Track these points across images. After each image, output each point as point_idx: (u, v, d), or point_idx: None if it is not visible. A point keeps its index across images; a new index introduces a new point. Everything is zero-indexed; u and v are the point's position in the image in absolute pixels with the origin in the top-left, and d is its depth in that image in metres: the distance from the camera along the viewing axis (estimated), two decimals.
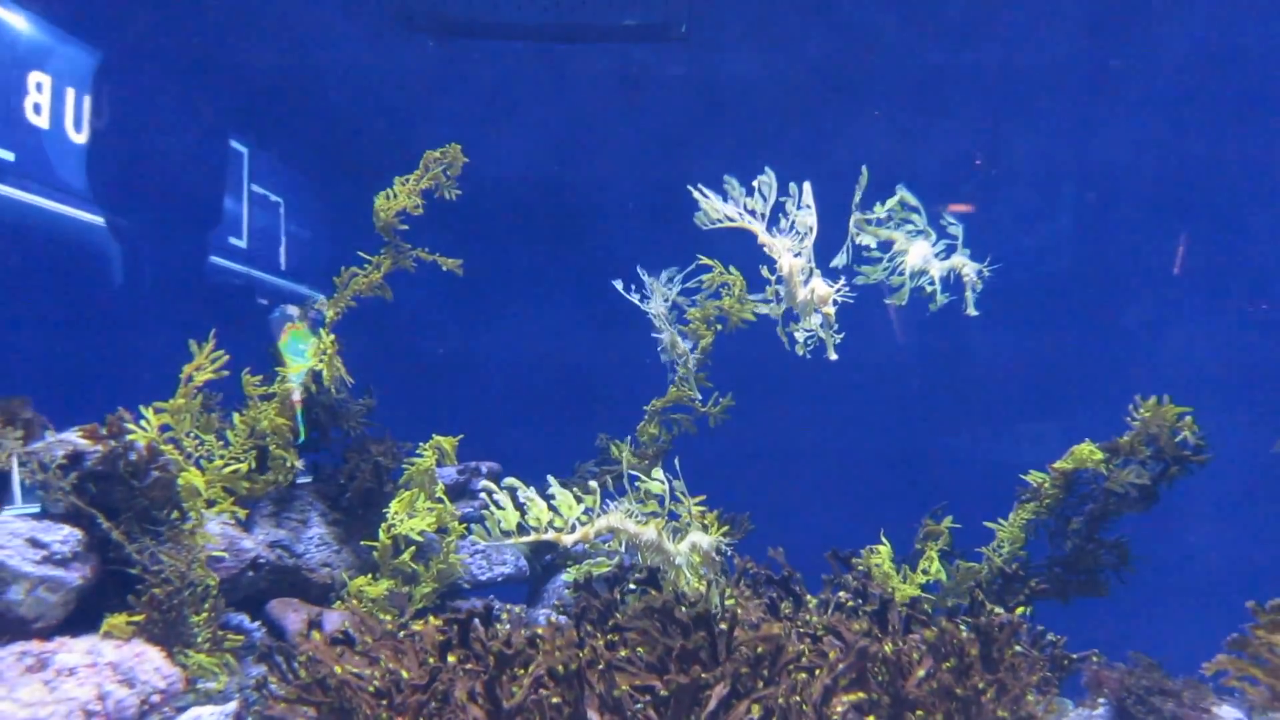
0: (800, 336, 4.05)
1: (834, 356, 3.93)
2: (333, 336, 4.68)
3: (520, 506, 3.71)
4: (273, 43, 6.51)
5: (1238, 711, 3.60)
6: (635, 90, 6.91)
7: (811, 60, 6.66)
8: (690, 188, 4.18)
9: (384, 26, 6.58)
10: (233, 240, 5.05)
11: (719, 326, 4.82)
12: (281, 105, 6.43)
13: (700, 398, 4.91)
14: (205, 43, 6.27)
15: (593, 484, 3.90)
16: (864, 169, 4.45)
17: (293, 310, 4.95)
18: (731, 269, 4.75)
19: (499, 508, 3.65)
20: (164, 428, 4.21)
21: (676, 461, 4.04)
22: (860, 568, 4.35)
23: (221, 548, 4.15)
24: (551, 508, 3.69)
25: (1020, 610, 3.76)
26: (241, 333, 4.62)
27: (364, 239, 4.95)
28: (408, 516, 4.48)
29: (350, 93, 6.73)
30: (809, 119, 6.93)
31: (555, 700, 2.52)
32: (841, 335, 3.98)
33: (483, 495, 3.71)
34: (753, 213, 4.11)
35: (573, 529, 3.84)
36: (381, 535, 4.47)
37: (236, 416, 4.56)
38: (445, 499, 4.70)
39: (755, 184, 4.08)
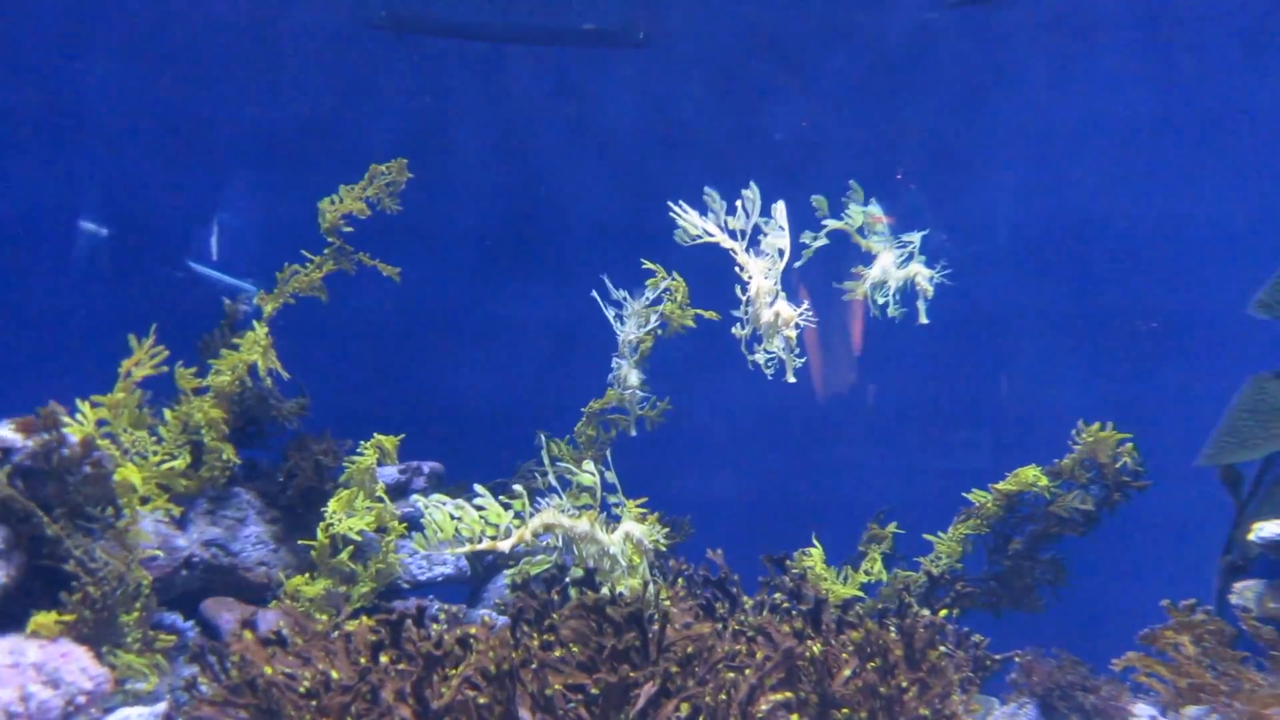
0: (761, 359, 4.12)
1: (793, 380, 4.00)
2: (266, 329, 4.67)
3: (454, 517, 3.77)
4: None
5: (1151, 709, 3.73)
6: (586, 99, 6.93)
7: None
8: (670, 204, 4.24)
9: (333, 20, 6.53)
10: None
11: (659, 331, 4.86)
12: (222, 94, 6.35)
13: (640, 403, 4.93)
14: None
15: (517, 487, 3.95)
16: (853, 183, 4.56)
17: (225, 303, 4.92)
18: (675, 275, 4.79)
19: (434, 518, 3.70)
20: (100, 422, 4.15)
21: (608, 453, 4.11)
22: (795, 570, 4.42)
23: (155, 546, 4.09)
24: (482, 518, 3.76)
25: (944, 613, 3.87)
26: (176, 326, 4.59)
27: (300, 232, 4.95)
28: (346, 516, 4.45)
29: (291, 84, 6.67)
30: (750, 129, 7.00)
31: (484, 700, 2.54)
32: (803, 359, 4.05)
33: (418, 504, 3.77)
34: (732, 232, 4.19)
35: (508, 534, 3.89)
36: (319, 534, 4.44)
37: (168, 412, 4.50)
38: (385, 498, 4.68)
39: (739, 202, 4.16)
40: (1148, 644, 3.55)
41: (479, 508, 3.75)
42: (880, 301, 4.65)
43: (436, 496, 3.73)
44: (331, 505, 4.50)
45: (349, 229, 4.91)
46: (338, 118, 6.88)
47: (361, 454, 4.71)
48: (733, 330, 4.19)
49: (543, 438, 5.18)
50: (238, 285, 5.52)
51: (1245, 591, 4.30)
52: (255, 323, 4.73)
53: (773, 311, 4.05)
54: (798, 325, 4.04)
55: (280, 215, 6.11)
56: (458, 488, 5.43)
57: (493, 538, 3.79)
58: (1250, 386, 4.74)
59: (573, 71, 6.73)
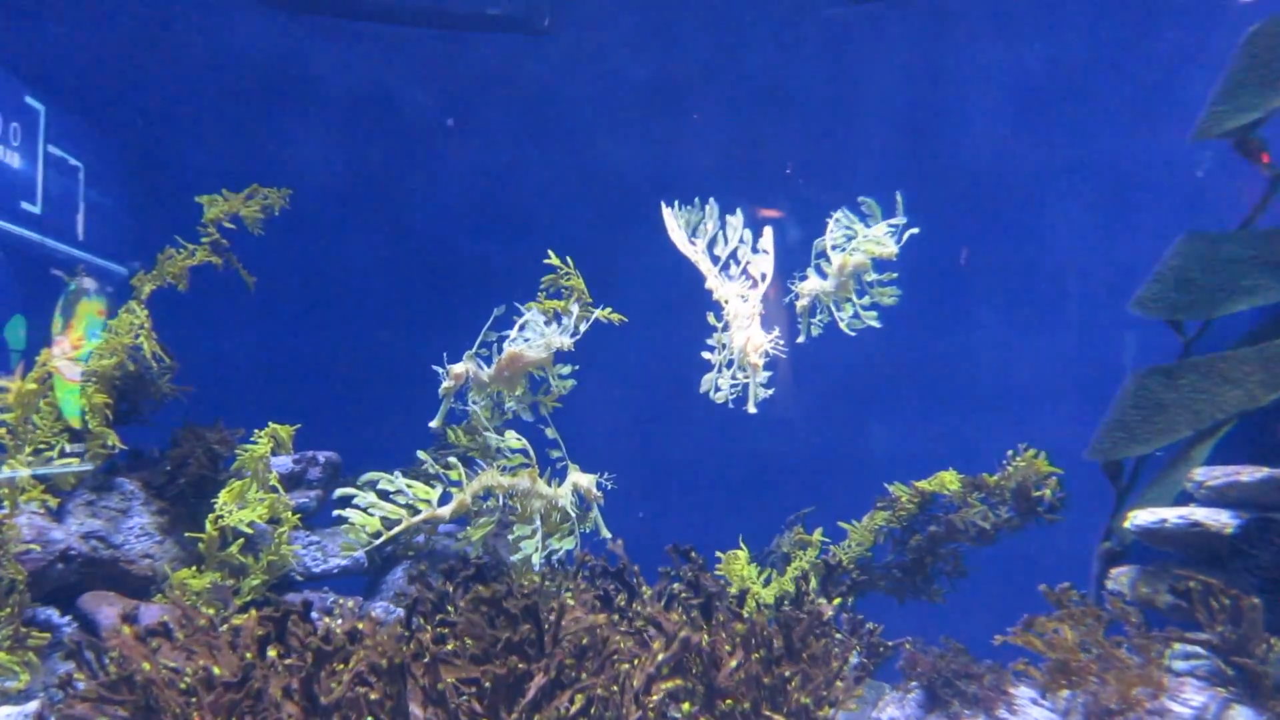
0: (724, 384, 4.01)
1: (753, 410, 3.93)
2: (145, 311, 4.54)
3: (385, 495, 3.74)
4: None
5: (1032, 691, 3.88)
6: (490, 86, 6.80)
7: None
8: (663, 205, 4.18)
9: None
10: (25, 205, 4.63)
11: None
12: (88, 63, 6.06)
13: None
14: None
15: (452, 459, 3.93)
16: (867, 200, 4.47)
17: (89, 283, 4.74)
18: (575, 273, 4.70)
19: (364, 511, 3.67)
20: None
21: (545, 413, 4.08)
22: (699, 561, 4.44)
23: (29, 539, 3.90)
24: (408, 504, 3.73)
25: (838, 601, 3.96)
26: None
27: (171, 212, 4.85)
28: (238, 507, 4.31)
29: (174, 61, 6.40)
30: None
31: (374, 696, 2.49)
32: (770, 390, 4.00)
33: (346, 512, 3.71)
34: (714, 256, 4.15)
35: (445, 501, 3.87)
36: (208, 526, 4.29)
37: (41, 401, 4.29)
38: (280, 488, 4.55)
39: (724, 230, 4.15)
40: (1028, 628, 3.70)
41: (423, 474, 3.75)
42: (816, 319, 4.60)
43: (368, 476, 3.72)
44: (223, 496, 4.36)
45: (230, 225, 4.87)
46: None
47: (255, 443, 4.57)
48: (704, 354, 4.11)
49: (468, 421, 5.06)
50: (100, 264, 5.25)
51: (1120, 577, 4.52)
52: (134, 303, 4.59)
53: (744, 336, 3.99)
54: (765, 353, 3.96)
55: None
56: (356, 478, 5.32)
57: (429, 505, 3.80)
58: (1133, 383, 4.94)
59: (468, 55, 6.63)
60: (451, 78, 6.72)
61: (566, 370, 4.39)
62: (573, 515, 4.06)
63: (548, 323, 4.31)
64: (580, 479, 4.12)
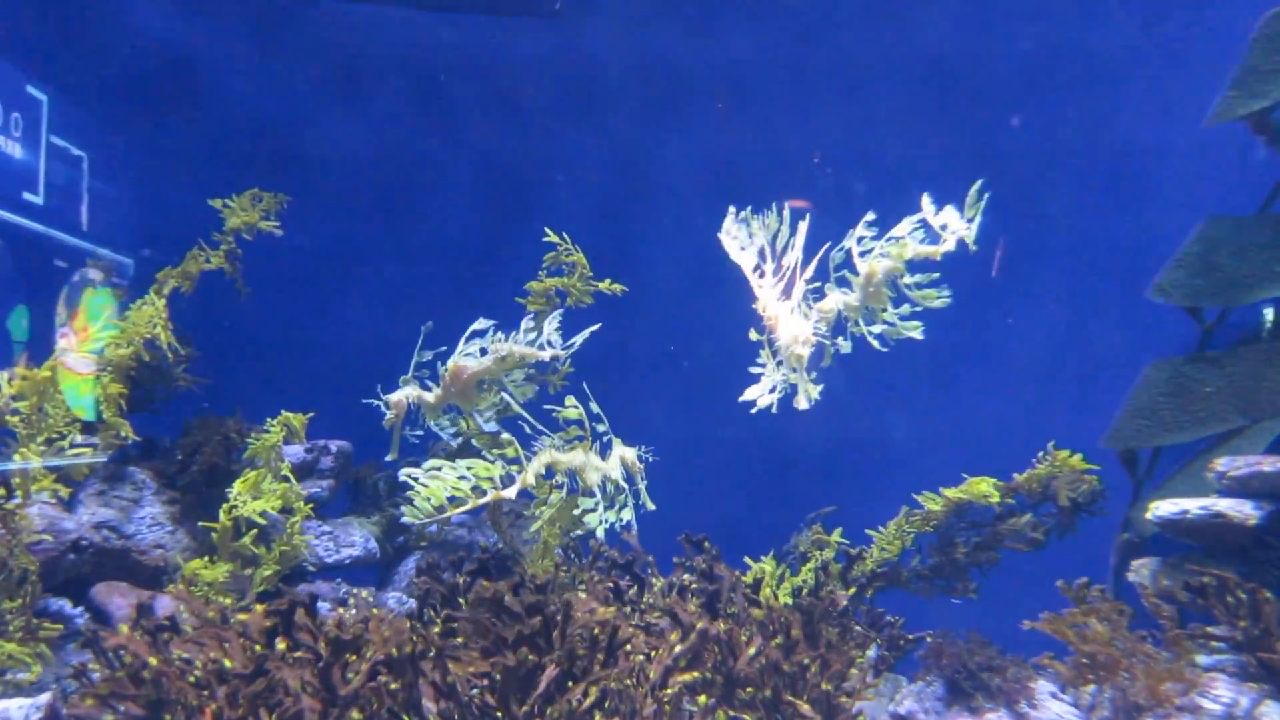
0: (763, 385, 3.93)
1: (804, 405, 3.86)
2: (163, 302, 4.54)
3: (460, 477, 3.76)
4: None
5: (1052, 685, 3.82)
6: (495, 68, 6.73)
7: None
8: (732, 210, 4.17)
9: None
10: (28, 196, 4.62)
11: (558, 300, 4.71)
12: (90, 50, 6.04)
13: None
14: None
15: (505, 435, 3.94)
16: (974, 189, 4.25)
17: (95, 274, 4.72)
18: (576, 248, 4.66)
19: (424, 486, 3.67)
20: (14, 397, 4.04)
21: (585, 386, 4.07)
22: (713, 551, 4.39)
23: (41, 529, 3.89)
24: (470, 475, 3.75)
25: (852, 590, 3.89)
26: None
27: (178, 201, 4.89)
28: (252, 497, 4.29)
29: (175, 45, 6.37)
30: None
31: (394, 686, 2.46)
32: (820, 386, 3.91)
33: (404, 478, 3.71)
34: (761, 261, 4.08)
35: (508, 482, 3.89)
36: (222, 516, 4.27)
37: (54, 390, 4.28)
38: (291, 477, 4.52)
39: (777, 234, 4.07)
40: (1058, 618, 3.63)
41: (465, 474, 3.75)
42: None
43: (431, 462, 3.76)
44: (237, 486, 4.33)
45: (248, 236, 4.93)
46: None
47: (267, 431, 4.55)
48: (754, 369, 4.04)
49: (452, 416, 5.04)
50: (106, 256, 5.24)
51: (1141, 569, 4.44)
52: (152, 294, 4.58)
53: (789, 332, 3.94)
54: (809, 344, 3.91)
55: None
56: (368, 467, 5.30)
57: (494, 486, 3.81)
58: (1161, 371, 4.83)
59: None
60: (463, 62, 6.65)
61: (520, 376, 4.38)
62: (626, 489, 4.11)
63: (492, 330, 4.32)
64: (625, 452, 4.17)
